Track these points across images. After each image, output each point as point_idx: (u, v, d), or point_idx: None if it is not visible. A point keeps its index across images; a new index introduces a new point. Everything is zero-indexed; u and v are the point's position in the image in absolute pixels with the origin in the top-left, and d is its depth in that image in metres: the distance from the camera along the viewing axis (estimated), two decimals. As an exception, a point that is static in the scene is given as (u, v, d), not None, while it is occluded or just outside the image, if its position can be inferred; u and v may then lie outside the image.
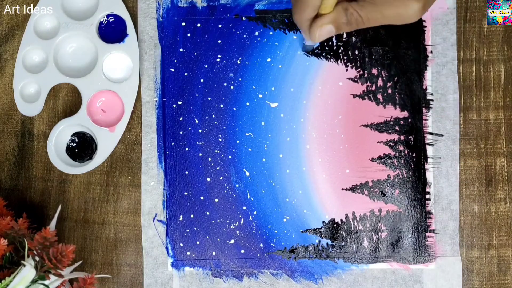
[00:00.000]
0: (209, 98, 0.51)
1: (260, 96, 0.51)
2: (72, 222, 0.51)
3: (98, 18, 0.50)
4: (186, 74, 0.51)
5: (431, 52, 0.50)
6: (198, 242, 0.50)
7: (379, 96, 0.50)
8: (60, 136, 0.51)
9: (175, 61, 0.51)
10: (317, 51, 0.50)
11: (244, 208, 0.50)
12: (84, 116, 0.50)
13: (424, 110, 0.50)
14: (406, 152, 0.50)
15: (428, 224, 0.49)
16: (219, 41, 0.51)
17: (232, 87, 0.51)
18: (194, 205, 0.51)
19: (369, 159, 0.50)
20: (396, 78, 0.50)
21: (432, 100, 0.50)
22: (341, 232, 0.50)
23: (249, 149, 0.51)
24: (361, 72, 0.50)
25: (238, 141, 0.51)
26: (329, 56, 0.50)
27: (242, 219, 0.50)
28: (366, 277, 0.50)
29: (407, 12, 0.34)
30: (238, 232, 0.50)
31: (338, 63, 0.50)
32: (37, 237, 0.42)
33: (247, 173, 0.50)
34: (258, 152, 0.51)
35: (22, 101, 0.51)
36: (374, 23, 0.36)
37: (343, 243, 0.50)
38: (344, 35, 0.50)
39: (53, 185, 0.51)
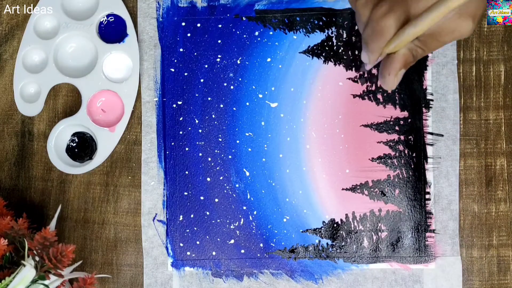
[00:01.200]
0: (209, 98, 0.51)
1: (260, 96, 0.51)
2: (72, 222, 0.51)
3: (98, 18, 0.50)
4: (186, 74, 0.51)
5: (431, 52, 0.50)
6: (198, 242, 0.50)
7: (379, 96, 0.50)
8: (60, 136, 0.51)
9: (175, 61, 0.51)
10: (317, 51, 0.50)
11: (244, 208, 0.50)
12: (84, 116, 0.50)
13: (424, 110, 0.50)
14: (406, 152, 0.50)
15: (428, 224, 0.49)
16: (219, 41, 0.51)
17: (232, 87, 0.51)
18: (194, 205, 0.51)
19: (369, 159, 0.50)
20: (396, 78, 0.50)
21: (432, 100, 0.50)
22: (341, 232, 0.50)
23: (249, 149, 0.51)
24: (361, 72, 0.50)
25: (238, 141, 0.51)
26: (329, 56, 0.50)
27: (242, 219, 0.50)
28: (366, 277, 0.50)
29: (462, 33, 0.37)
30: (238, 232, 0.50)
31: (338, 63, 0.50)
32: (37, 237, 0.42)
33: (247, 173, 0.50)
34: (258, 152, 0.51)
35: (22, 101, 0.51)
36: (434, 50, 0.39)
37: (343, 243, 0.50)
38: (344, 35, 0.50)
39: (53, 185, 0.51)
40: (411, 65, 0.39)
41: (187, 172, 0.51)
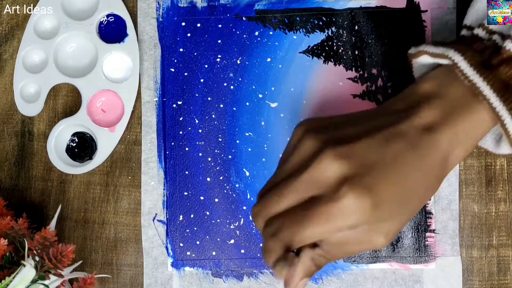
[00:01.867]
0: (209, 98, 0.51)
1: (260, 96, 0.51)
2: (72, 222, 0.51)
3: (98, 18, 0.50)
4: (186, 74, 0.51)
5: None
6: (198, 242, 0.50)
7: (379, 96, 0.50)
8: (60, 136, 0.51)
9: (175, 61, 0.51)
10: (317, 51, 0.50)
11: (244, 208, 0.50)
12: (84, 116, 0.50)
13: (424, 110, 0.50)
14: (406, 152, 0.50)
15: (428, 224, 0.49)
16: (219, 41, 0.51)
17: (232, 87, 0.51)
18: (194, 205, 0.51)
19: (369, 159, 0.50)
20: (396, 78, 0.50)
21: (432, 100, 0.50)
22: (341, 232, 0.50)
23: (249, 149, 0.51)
24: (361, 72, 0.50)
25: (238, 141, 0.51)
26: (329, 56, 0.50)
27: (242, 219, 0.50)
28: (366, 277, 0.50)
29: (373, 246, 0.34)
30: (238, 232, 0.50)
31: (338, 63, 0.50)
32: (37, 237, 0.42)
33: (247, 173, 0.50)
34: (258, 152, 0.51)
35: (22, 101, 0.51)
36: (340, 258, 0.37)
37: (343, 243, 0.50)
38: (344, 35, 0.50)
39: (53, 185, 0.51)
40: (314, 273, 0.36)
41: (187, 172, 0.51)
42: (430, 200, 0.49)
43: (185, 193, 0.51)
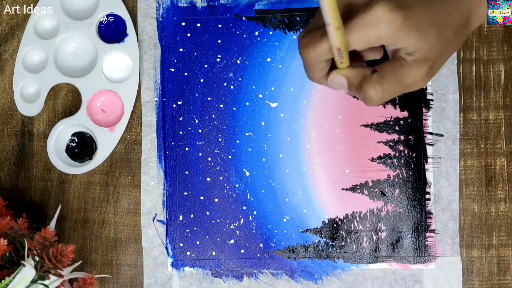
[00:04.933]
0: (209, 98, 0.51)
1: (260, 96, 0.51)
2: (72, 222, 0.51)
3: (98, 18, 0.50)
4: (186, 74, 0.51)
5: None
6: (198, 242, 0.50)
7: (379, 96, 0.50)
8: (60, 136, 0.51)
9: (175, 61, 0.51)
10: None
11: (244, 208, 0.50)
12: (84, 116, 0.50)
13: (424, 110, 0.50)
14: (406, 152, 0.50)
15: (428, 224, 0.49)
16: (219, 41, 0.51)
17: (232, 87, 0.51)
18: (194, 205, 0.51)
19: (369, 159, 0.50)
20: (396, 78, 0.50)
21: (432, 100, 0.50)
22: (341, 232, 0.50)
23: (249, 149, 0.51)
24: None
25: (238, 141, 0.51)
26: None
27: (242, 219, 0.50)
28: (366, 277, 0.50)
29: (414, 79, 0.35)
30: (238, 232, 0.50)
31: (338, 63, 0.50)
32: (37, 237, 0.42)
33: (247, 173, 0.50)
34: (258, 152, 0.51)
35: (22, 101, 0.51)
36: (393, 93, 0.37)
37: (343, 243, 0.50)
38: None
39: (53, 185, 0.51)
40: (353, 89, 0.37)
41: (187, 172, 0.51)
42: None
43: (185, 193, 0.51)
